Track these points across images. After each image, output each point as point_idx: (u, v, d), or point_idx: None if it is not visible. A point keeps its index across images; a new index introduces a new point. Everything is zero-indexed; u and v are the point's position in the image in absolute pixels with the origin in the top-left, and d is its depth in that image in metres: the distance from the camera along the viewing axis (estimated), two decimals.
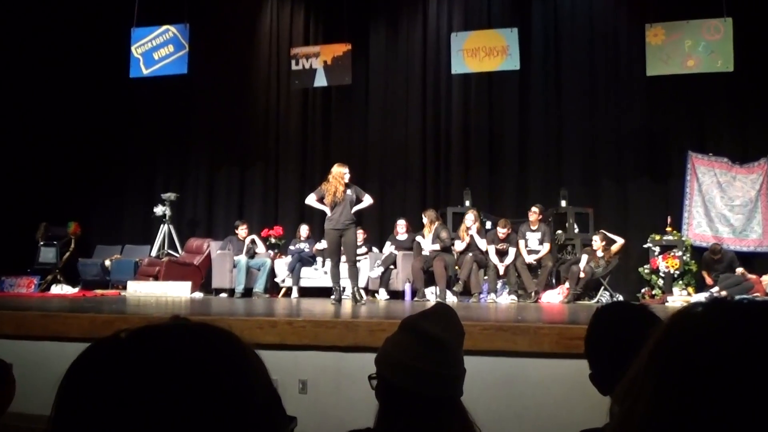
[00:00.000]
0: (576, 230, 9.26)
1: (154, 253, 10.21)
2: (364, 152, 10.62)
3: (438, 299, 8.12)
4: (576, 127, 9.94)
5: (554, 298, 8.34)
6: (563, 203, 9.37)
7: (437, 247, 8.58)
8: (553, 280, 8.83)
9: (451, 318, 1.59)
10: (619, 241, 8.66)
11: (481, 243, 8.71)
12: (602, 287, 8.61)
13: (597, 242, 8.59)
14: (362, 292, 7.90)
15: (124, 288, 9.11)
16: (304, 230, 9.70)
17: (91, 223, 11.05)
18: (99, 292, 9.24)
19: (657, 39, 8.67)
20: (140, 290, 8.79)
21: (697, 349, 0.58)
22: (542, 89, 10.14)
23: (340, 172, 6.87)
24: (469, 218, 8.76)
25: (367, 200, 7.07)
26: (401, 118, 10.60)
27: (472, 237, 8.72)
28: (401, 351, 1.50)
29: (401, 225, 9.27)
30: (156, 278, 9.23)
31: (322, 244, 8.77)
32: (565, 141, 9.99)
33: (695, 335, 0.60)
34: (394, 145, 10.53)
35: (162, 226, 10.36)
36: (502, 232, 8.66)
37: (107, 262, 10.04)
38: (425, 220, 8.83)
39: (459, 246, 8.73)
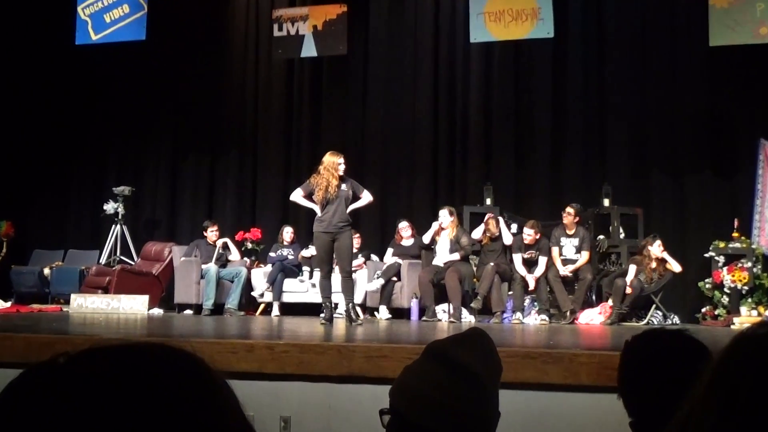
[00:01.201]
0: (622, 235, 9.25)
1: (103, 260, 10.22)
2: (361, 139, 10.63)
3: (452, 319, 8.13)
4: (622, 109, 9.93)
5: (594, 318, 8.34)
6: (606, 202, 9.37)
7: (457, 257, 8.56)
8: (593, 297, 8.84)
9: (489, 347, 1.59)
10: (675, 267, 8.54)
11: (507, 237, 8.72)
12: (653, 305, 8.61)
13: (657, 247, 8.47)
14: (359, 309, 7.90)
15: (67, 302, 9.13)
16: (287, 233, 9.71)
17: (28, 223, 11.07)
18: (36, 306, 9.28)
19: (722, 1, 8.66)
20: (86, 305, 8.81)
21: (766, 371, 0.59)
22: (581, 62, 10.13)
23: (333, 163, 6.87)
24: (492, 227, 8.77)
25: (366, 197, 7.09)
26: (408, 96, 10.60)
27: (491, 235, 8.71)
28: (424, 382, 1.50)
29: (405, 228, 9.26)
30: (106, 291, 9.25)
31: (310, 251, 8.77)
32: (609, 126, 9.99)
33: (763, 357, 0.60)
34: (399, 131, 10.54)
35: (114, 227, 10.37)
36: (529, 236, 8.66)
37: (46, 271, 10.06)
38: (449, 219, 8.69)
39: (476, 234, 8.75)
